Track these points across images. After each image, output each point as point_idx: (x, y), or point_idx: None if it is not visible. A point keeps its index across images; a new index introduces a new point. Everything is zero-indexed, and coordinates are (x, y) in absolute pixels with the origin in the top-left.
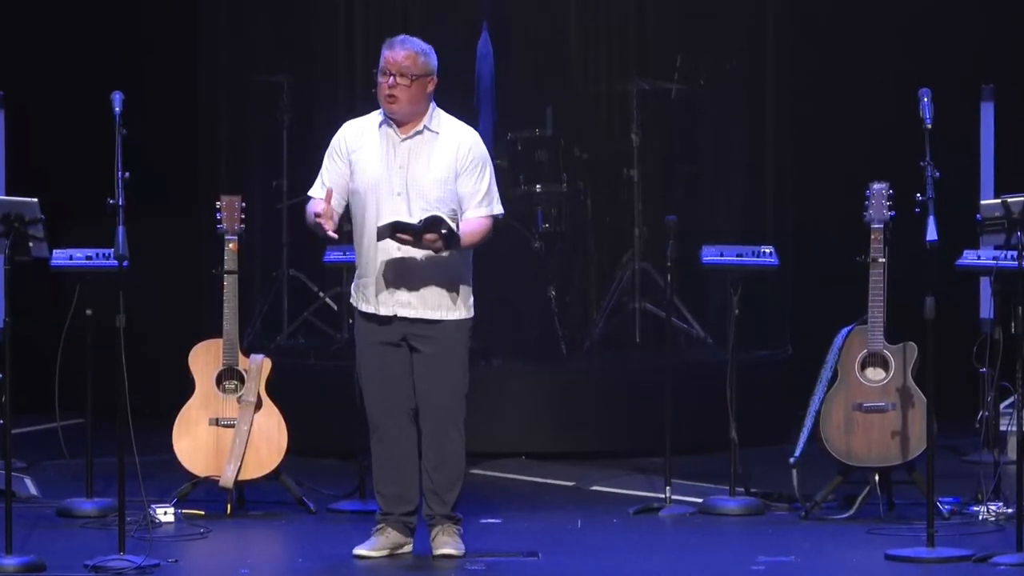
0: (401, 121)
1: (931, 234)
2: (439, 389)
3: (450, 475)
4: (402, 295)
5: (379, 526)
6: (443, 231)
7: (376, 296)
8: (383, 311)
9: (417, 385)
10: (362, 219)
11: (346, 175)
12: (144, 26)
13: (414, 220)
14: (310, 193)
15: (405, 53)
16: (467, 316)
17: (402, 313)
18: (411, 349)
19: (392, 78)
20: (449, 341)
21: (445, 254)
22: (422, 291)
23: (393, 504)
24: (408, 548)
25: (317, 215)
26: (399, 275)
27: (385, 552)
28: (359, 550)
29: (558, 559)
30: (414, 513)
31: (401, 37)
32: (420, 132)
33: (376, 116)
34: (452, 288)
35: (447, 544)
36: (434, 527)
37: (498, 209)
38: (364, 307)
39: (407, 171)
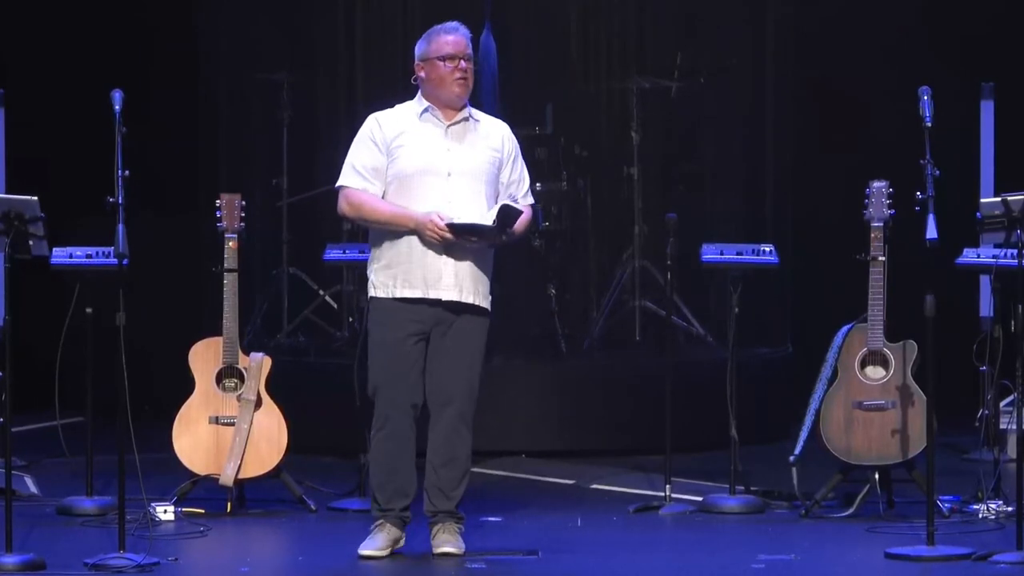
0: (455, 106)
1: (931, 232)
2: (457, 385)
3: (458, 472)
4: (448, 278)
5: (378, 523)
6: (506, 232)
7: (422, 278)
8: (430, 294)
9: (435, 380)
10: (407, 204)
11: (385, 163)
12: (144, 24)
13: (463, 203)
14: (346, 183)
15: (466, 40)
16: (489, 310)
17: (446, 296)
18: (427, 342)
19: (461, 62)
20: (473, 336)
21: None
22: (465, 275)
23: (394, 499)
24: (402, 541)
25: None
26: (444, 258)
27: (389, 549)
28: (365, 551)
29: (558, 557)
30: (409, 507)
31: (453, 23)
32: (466, 119)
33: (410, 108)
34: (485, 276)
35: (448, 543)
36: (435, 525)
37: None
38: (405, 292)
39: (453, 154)
